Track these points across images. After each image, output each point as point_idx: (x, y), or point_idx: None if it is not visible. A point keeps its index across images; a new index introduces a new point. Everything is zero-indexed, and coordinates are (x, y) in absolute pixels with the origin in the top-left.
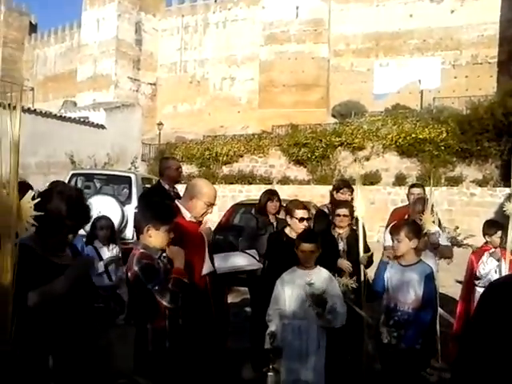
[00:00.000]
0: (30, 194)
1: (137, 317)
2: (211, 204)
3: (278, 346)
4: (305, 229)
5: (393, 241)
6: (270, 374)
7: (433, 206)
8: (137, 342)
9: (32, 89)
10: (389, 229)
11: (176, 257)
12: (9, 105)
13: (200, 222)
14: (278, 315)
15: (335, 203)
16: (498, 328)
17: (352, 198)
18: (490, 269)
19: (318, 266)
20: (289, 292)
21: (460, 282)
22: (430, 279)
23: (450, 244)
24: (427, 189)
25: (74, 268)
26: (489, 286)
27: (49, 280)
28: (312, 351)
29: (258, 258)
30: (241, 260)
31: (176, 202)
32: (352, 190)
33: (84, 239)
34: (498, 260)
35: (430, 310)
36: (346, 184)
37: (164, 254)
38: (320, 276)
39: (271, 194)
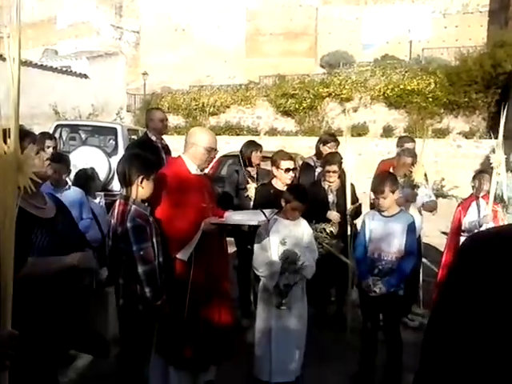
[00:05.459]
0: (32, 148)
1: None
2: (212, 149)
3: (289, 283)
4: (297, 185)
5: (377, 198)
6: (283, 308)
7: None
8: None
9: (9, 36)
10: (370, 187)
11: None
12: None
13: (205, 174)
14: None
15: (324, 158)
16: (475, 288)
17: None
18: (474, 219)
19: (301, 218)
20: (276, 241)
21: (444, 233)
22: (412, 228)
23: (434, 198)
24: (419, 141)
25: (77, 259)
26: (469, 240)
27: (34, 237)
28: (298, 298)
29: (267, 216)
30: (244, 216)
31: (180, 155)
32: (338, 143)
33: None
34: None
35: (412, 257)
36: (332, 138)
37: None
38: (301, 228)
39: (255, 145)
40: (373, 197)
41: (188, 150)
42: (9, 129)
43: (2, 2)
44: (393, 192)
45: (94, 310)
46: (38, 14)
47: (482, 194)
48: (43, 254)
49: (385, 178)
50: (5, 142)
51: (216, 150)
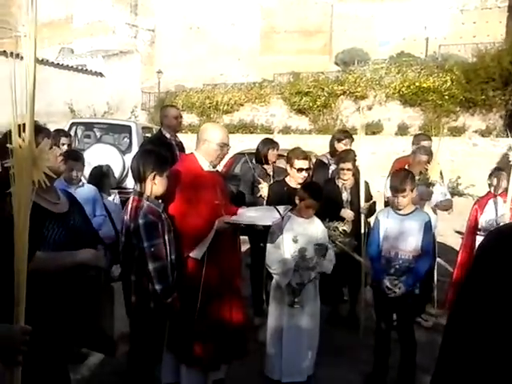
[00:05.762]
0: (46, 143)
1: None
2: (224, 144)
3: (302, 281)
4: (311, 182)
5: (396, 196)
6: (296, 306)
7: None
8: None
9: (26, 35)
10: (388, 185)
11: None
12: (17, 55)
13: (217, 171)
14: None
15: (338, 156)
16: (496, 283)
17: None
18: (491, 218)
19: (314, 216)
20: (289, 239)
21: (458, 232)
22: (428, 227)
23: (449, 197)
24: (434, 139)
25: (88, 256)
26: (488, 238)
27: (46, 231)
28: (310, 297)
29: (281, 213)
30: (258, 213)
31: (193, 152)
32: (352, 140)
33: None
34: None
35: (428, 257)
36: (347, 135)
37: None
38: (315, 226)
39: (272, 143)
40: (388, 195)
41: (200, 147)
42: (24, 124)
43: (20, 2)
44: (412, 190)
45: (100, 306)
46: (54, 13)
47: (499, 192)
48: (55, 248)
49: (405, 176)
50: (19, 136)
51: (228, 145)
